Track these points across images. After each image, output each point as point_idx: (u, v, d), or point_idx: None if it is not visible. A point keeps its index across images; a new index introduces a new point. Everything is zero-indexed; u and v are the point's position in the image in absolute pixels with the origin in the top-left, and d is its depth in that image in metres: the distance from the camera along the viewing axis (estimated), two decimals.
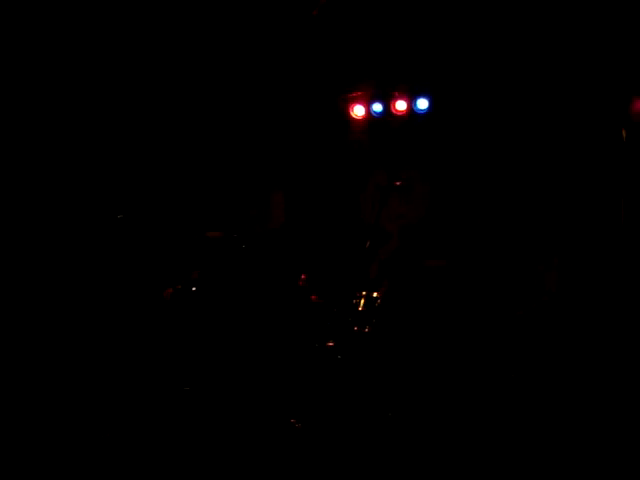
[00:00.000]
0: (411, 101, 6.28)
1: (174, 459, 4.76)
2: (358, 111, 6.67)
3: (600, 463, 4.10)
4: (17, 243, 6.33)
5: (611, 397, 4.54)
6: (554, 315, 5.12)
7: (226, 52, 6.77)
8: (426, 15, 5.84)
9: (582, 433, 4.40)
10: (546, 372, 4.84)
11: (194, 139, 7.83)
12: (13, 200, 6.39)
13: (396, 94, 6.32)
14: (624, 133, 5.27)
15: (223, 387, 6.00)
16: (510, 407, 4.75)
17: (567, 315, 5.09)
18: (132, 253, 6.91)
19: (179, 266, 6.28)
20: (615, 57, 5.28)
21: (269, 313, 6.63)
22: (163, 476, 4.51)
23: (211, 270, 6.22)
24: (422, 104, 6.21)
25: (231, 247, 6.31)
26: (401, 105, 6.33)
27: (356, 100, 6.67)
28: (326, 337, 5.66)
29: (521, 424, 4.60)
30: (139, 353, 6.45)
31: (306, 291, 5.95)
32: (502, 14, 5.63)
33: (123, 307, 6.67)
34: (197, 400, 5.86)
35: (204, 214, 6.60)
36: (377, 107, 6.53)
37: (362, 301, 5.43)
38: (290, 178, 7.55)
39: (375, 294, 5.43)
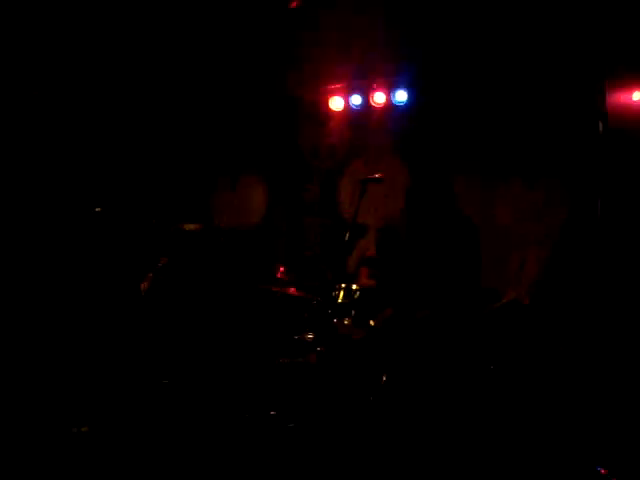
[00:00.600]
0: (390, 93, 6.28)
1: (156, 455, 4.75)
2: (336, 104, 6.66)
3: None
4: None
5: None
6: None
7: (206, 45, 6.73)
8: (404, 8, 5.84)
9: None
10: None
11: (171, 132, 7.78)
12: None
13: (375, 86, 6.32)
14: (600, 125, 5.31)
15: (202, 380, 5.97)
16: None
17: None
18: (110, 245, 6.84)
19: (155, 259, 6.23)
20: (590, 49, 5.31)
21: (247, 305, 6.62)
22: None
23: (188, 262, 6.19)
24: (401, 96, 6.22)
25: (209, 239, 6.27)
26: (380, 97, 6.33)
27: (334, 93, 6.66)
28: (305, 329, 5.66)
29: None
30: (116, 345, 6.41)
31: (285, 283, 5.94)
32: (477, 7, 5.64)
33: (100, 299, 6.60)
34: (176, 394, 5.83)
35: (182, 207, 6.52)
36: (355, 100, 6.52)
37: (341, 293, 5.42)
38: (271, 171, 7.53)
39: (354, 286, 5.42)
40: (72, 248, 5.75)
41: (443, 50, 5.93)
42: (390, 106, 6.39)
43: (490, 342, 5.28)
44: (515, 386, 5.07)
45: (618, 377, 4.66)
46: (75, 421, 5.03)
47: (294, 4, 6.00)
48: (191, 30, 6.42)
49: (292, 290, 5.87)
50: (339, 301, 5.46)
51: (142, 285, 6.03)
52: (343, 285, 5.51)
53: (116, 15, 6.17)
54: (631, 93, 5.40)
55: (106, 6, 5.94)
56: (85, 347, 5.81)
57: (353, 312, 5.37)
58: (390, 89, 6.33)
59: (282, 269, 6.08)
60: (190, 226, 6.48)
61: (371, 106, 6.47)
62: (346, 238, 4.96)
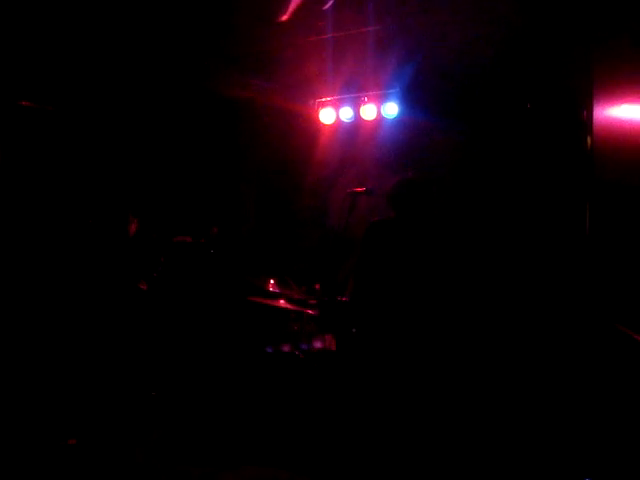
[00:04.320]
0: (380, 106, 6.29)
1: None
2: (327, 116, 6.67)
3: None
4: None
5: None
6: None
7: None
8: None
9: None
10: None
11: (163, 141, 7.78)
12: None
13: (365, 99, 6.34)
14: (588, 140, 5.32)
15: (187, 391, 5.96)
16: None
17: None
18: (100, 258, 6.83)
19: (147, 271, 6.20)
20: (576, 62, 5.32)
21: (235, 317, 6.60)
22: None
23: (178, 275, 6.17)
24: (391, 109, 6.23)
25: (199, 252, 6.26)
26: (370, 110, 6.34)
27: (325, 105, 6.68)
28: (294, 341, 5.65)
29: None
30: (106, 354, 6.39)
31: (274, 296, 5.93)
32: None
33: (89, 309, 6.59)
34: (165, 404, 5.82)
35: (175, 219, 6.50)
36: (346, 112, 6.54)
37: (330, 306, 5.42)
38: (262, 182, 7.56)
39: (342, 298, 5.42)
40: (61, 259, 5.71)
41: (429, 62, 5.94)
42: (380, 119, 6.41)
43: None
44: (503, 391, 5.06)
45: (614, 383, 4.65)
46: (64, 433, 5.02)
47: (285, 17, 6.02)
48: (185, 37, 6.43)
49: (282, 302, 5.85)
50: (331, 314, 5.45)
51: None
52: (335, 298, 5.50)
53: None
54: (620, 106, 5.41)
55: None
56: (76, 355, 5.78)
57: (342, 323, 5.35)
58: (381, 102, 6.34)
59: (272, 281, 6.06)
60: (180, 238, 6.47)
61: (362, 119, 6.48)
62: (335, 250, 4.94)
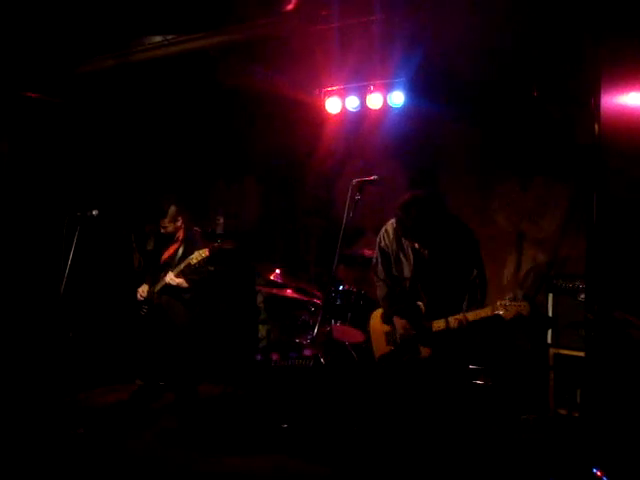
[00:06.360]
0: (386, 95, 6.25)
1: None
2: (333, 105, 6.64)
3: None
4: None
5: None
6: None
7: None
8: None
9: None
10: None
11: (168, 133, 7.77)
12: None
13: (371, 88, 6.29)
14: (596, 127, 5.29)
15: (199, 381, 5.98)
16: None
17: None
18: (105, 249, 6.85)
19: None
20: (585, 50, 5.28)
21: (244, 307, 6.61)
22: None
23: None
24: (397, 98, 6.20)
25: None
26: (376, 99, 6.30)
27: (330, 94, 6.64)
28: (303, 332, 5.66)
29: None
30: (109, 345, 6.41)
31: (282, 285, 5.93)
32: None
33: (94, 304, 6.61)
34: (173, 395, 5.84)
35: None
36: (352, 102, 6.50)
37: (337, 295, 5.43)
38: (267, 172, 7.56)
39: (349, 288, 5.43)
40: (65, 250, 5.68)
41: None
42: (387, 108, 6.37)
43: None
44: (511, 388, 5.07)
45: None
46: (71, 422, 5.04)
47: (290, 7, 5.97)
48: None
49: (289, 292, 5.86)
50: (337, 303, 5.46)
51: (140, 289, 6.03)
52: (340, 288, 5.51)
53: None
54: (628, 94, 5.37)
55: None
56: (77, 347, 5.79)
57: (349, 314, 5.37)
58: (387, 91, 6.30)
59: (278, 271, 6.06)
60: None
61: (368, 108, 6.44)
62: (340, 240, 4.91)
